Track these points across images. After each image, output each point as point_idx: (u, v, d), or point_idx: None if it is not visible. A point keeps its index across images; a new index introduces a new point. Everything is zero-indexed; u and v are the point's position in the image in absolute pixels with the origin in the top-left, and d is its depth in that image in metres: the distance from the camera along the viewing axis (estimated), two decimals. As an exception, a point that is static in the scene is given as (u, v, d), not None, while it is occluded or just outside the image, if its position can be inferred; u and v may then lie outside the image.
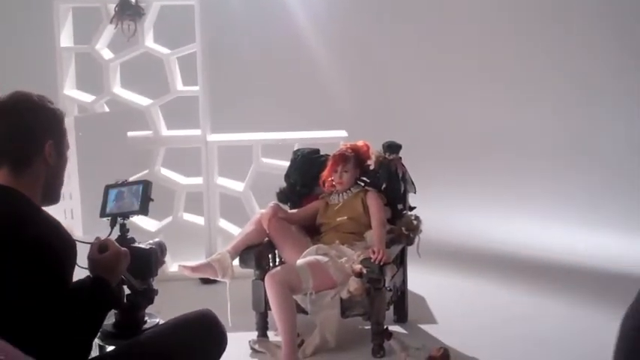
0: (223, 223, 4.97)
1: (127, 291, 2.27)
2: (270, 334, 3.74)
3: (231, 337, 3.70)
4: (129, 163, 4.57)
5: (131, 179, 4.62)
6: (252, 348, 3.67)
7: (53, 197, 2.06)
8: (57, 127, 2.01)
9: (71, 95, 4.85)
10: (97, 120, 4.55)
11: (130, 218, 2.33)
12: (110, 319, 2.30)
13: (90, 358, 2.01)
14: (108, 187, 2.37)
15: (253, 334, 3.74)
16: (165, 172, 5.04)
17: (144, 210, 2.29)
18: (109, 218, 2.32)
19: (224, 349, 2.30)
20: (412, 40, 6.21)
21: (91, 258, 2.04)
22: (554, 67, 6.08)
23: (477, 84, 6.18)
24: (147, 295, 2.28)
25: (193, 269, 3.70)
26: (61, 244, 1.83)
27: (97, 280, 1.99)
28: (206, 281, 4.46)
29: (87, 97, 4.88)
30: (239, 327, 3.77)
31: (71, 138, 3.84)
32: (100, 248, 2.05)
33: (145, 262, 2.25)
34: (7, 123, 1.94)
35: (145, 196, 2.29)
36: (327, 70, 6.18)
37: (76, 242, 1.95)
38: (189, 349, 2.14)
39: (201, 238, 4.91)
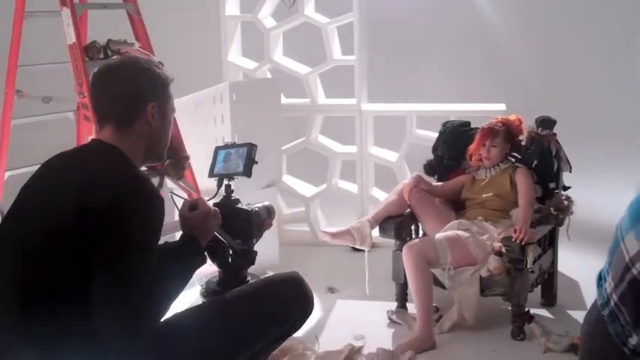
0: (376, 192, 5.00)
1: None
2: (410, 306, 3.72)
3: (369, 305, 3.80)
4: (285, 129, 4.71)
5: (288, 146, 4.81)
6: (389, 318, 3.68)
7: (157, 157, 2.17)
8: (161, 90, 2.10)
9: (235, 62, 5.05)
10: (252, 86, 4.69)
11: (235, 179, 2.39)
12: (215, 277, 2.40)
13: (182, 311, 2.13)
14: (217, 149, 2.44)
15: (393, 305, 3.74)
16: (322, 139, 5.13)
17: (247, 172, 2.34)
18: (217, 179, 2.40)
19: (309, 313, 2.33)
20: (587, 14, 5.81)
21: (181, 216, 2.14)
22: None
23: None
24: (247, 256, 2.33)
25: (333, 235, 3.76)
26: (141, 202, 1.90)
27: (186, 237, 2.09)
28: (357, 249, 4.51)
29: (250, 65, 5.06)
30: (379, 296, 3.82)
31: (225, 103, 4.07)
32: (190, 207, 2.13)
33: (246, 224, 2.30)
34: (112, 84, 2.06)
35: (249, 158, 2.34)
36: (491, 41, 5.96)
37: (163, 200, 1.99)
38: (271, 309, 2.19)
39: (354, 205, 4.98)
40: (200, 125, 4.35)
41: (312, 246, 4.85)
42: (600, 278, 0.97)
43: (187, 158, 3.75)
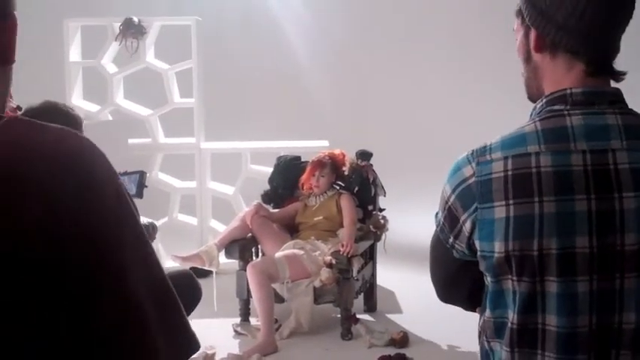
0: (214, 224, 5.44)
1: None
2: (253, 319, 4.19)
3: (216, 322, 4.23)
4: (129, 168, 5.04)
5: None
6: (235, 331, 4.13)
7: None
8: (78, 127, 2.56)
9: (78, 105, 5.32)
10: (101, 127, 5.02)
11: None
12: None
13: None
14: None
15: (237, 319, 4.20)
16: (162, 176, 5.51)
17: (139, 194, 2.79)
18: None
19: (198, 300, 2.86)
20: (395, 57, 6.60)
21: None
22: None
23: (453, 100, 6.53)
24: None
25: (184, 259, 4.17)
26: None
27: None
28: (200, 274, 4.88)
29: (93, 107, 5.36)
30: (224, 314, 4.25)
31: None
32: None
33: None
34: None
35: (140, 183, 2.79)
36: (313, 84, 6.64)
37: None
38: None
39: (193, 236, 5.38)
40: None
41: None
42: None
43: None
